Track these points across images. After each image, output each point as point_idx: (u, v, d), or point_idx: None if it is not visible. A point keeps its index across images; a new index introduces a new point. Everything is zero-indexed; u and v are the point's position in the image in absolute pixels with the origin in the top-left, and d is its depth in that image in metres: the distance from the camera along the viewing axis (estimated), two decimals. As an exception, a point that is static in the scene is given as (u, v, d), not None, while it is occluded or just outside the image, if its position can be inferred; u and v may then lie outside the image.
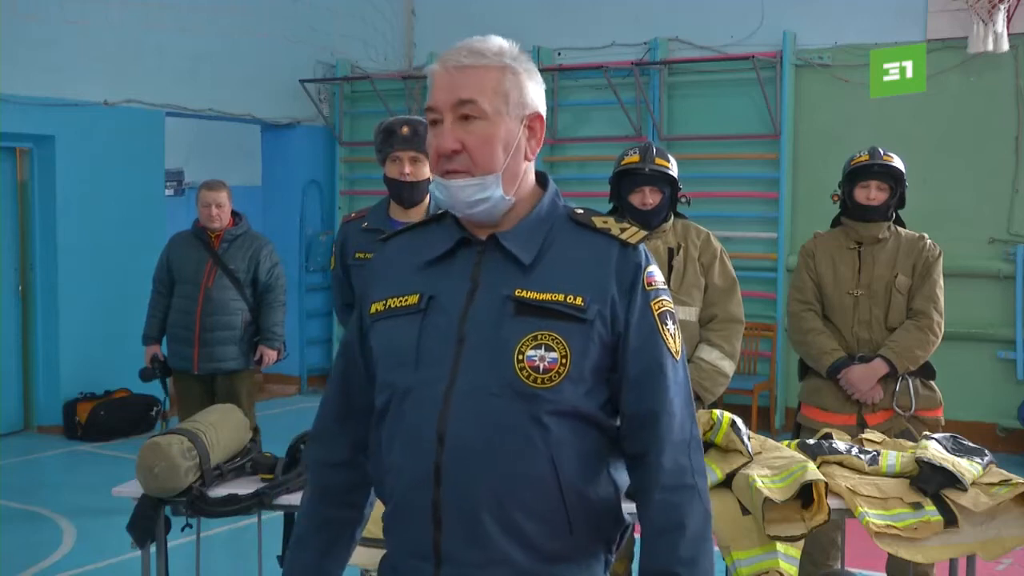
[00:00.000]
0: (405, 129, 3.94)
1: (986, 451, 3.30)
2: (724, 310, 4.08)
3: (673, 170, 4.03)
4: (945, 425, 4.19)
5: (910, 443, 3.45)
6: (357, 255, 4.03)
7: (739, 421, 3.14)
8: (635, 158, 4.03)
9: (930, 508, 3.04)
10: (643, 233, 1.93)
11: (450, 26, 9.75)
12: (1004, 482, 3.11)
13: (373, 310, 1.94)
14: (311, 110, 10.01)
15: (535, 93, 1.91)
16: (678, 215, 4.16)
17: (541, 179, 1.97)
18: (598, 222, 1.92)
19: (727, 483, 3.06)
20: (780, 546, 2.96)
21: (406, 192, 3.98)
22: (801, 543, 3.02)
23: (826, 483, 2.99)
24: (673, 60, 8.77)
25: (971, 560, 3.29)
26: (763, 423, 8.33)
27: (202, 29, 8.73)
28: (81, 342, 8.28)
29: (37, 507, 6.32)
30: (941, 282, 4.22)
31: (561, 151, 9.42)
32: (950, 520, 3.02)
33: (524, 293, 1.84)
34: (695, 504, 1.86)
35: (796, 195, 8.40)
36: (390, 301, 1.92)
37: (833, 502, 3.01)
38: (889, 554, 3.23)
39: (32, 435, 8.25)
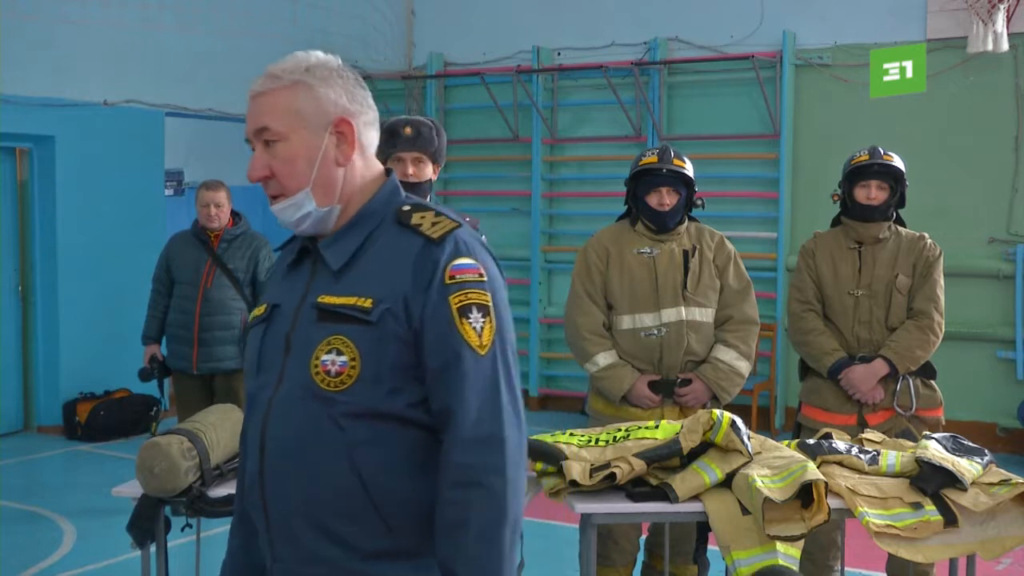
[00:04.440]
0: (408, 130, 3.93)
1: (986, 451, 3.31)
2: (739, 311, 4.11)
3: (690, 171, 4.05)
4: (945, 425, 4.19)
5: (910, 443, 3.45)
6: (357, 255, 4.02)
7: (739, 421, 3.14)
8: (653, 159, 4.05)
9: (930, 508, 3.04)
10: (452, 225, 1.91)
11: (450, 26, 9.76)
12: (1004, 482, 3.11)
13: (250, 319, 2.07)
14: (311, 110, 10.00)
15: (337, 99, 1.93)
16: (691, 218, 4.18)
17: (383, 177, 2.01)
18: (415, 218, 1.92)
19: (727, 483, 3.06)
20: (780, 546, 2.96)
21: (408, 192, 3.97)
22: (801, 543, 3.02)
23: (826, 483, 2.99)
24: (673, 60, 8.77)
25: (971, 560, 3.29)
26: (763, 423, 8.33)
27: (202, 29, 8.73)
28: (81, 342, 8.28)
29: (37, 507, 6.31)
30: (941, 282, 4.23)
31: (561, 151, 9.42)
32: (950, 520, 3.02)
33: (325, 299, 1.90)
34: (484, 503, 1.81)
35: (796, 195, 8.40)
36: (256, 311, 2.03)
37: (833, 502, 3.01)
38: (889, 554, 3.24)
39: (32, 435, 8.25)
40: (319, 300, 1.90)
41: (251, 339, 2.01)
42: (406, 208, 1.95)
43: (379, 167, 2.03)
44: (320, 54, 1.99)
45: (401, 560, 1.88)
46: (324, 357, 1.86)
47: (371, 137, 2.01)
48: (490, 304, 1.90)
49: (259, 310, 2.01)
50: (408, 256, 1.88)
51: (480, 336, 1.87)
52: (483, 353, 1.87)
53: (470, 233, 1.95)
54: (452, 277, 1.87)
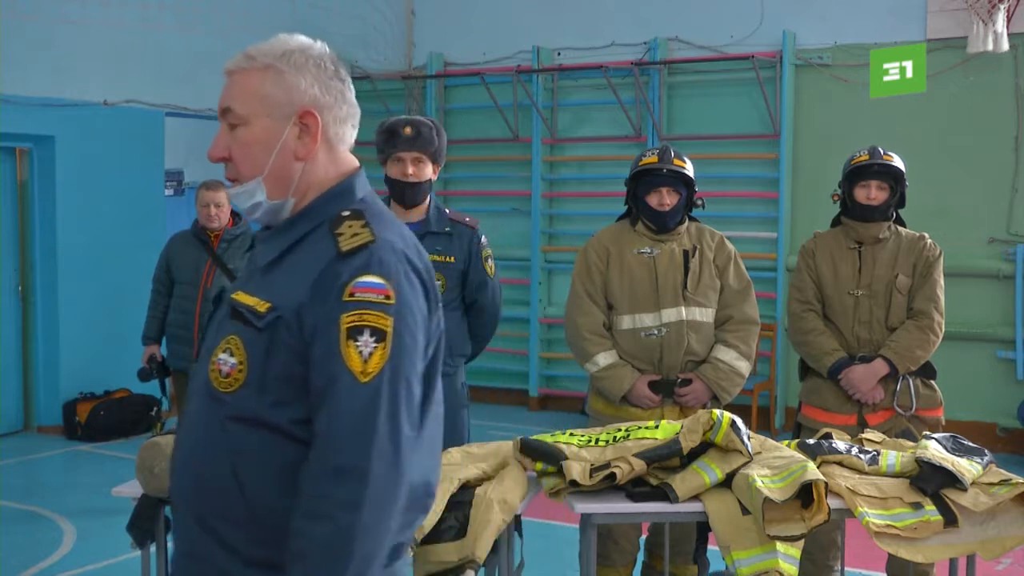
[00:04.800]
0: (408, 130, 3.94)
1: (986, 451, 3.31)
2: (740, 311, 4.11)
3: (690, 171, 4.05)
4: (945, 425, 4.19)
5: (910, 443, 3.45)
6: (357, 255, 4.02)
7: (739, 421, 3.14)
8: (653, 159, 4.04)
9: (930, 508, 3.04)
10: (364, 240, 1.79)
11: (450, 26, 9.76)
12: (1004, 482, 3.11)
13: None
14: (311, 110, 10.00)
15: (307, 88, 1.86)
16: (691, 218, 4.18)
17: (345, 177, 1.92)
18: (342, 226, 1.81)
19: (727, 483, 3.06)
20: (780, 546, 2.96)
21: (408, 192, 3.98)
22: (801, 543, 3.02)
23: (826, 483, 2.99)
24: (673, 60, 8.77)
25: (971, 560, 3.29)
26: (763, 423, 8.33)
27: (202, 29, 8.72)
28: (81, 342, 8.28)
29: (37, 507, 6.31)
30: (941, 282, 4.23)
31: (561, 151, 9.42)
32: (950, 520, 3.02)
33: (237, 295, 1.85)
34: (327, 540, 1.68)
35: (796, 195, 8.40)
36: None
37: (833, 502, 3.01)
38: (889, 554, 3.24)
39: (32, 435, 8.24)
40: (232, 296, 1.86)
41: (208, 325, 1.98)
42: (345, 213, 1.84)
43: (350, 165, 1.94)
44: (304, 39, 1.92)
45: (278, 573, 1.76)
46: (220, 356, 1.82)
47: (342, 133, 1.93)
48: (388, 329, 1.75)
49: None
50: (317, 265, 1.78)
51: (366, 362, 1.73)
52: (364, 380, 1.72)
53: (397, 252, 1.81)
54: (352, 294, 1.75)
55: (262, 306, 1.80)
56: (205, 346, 1.91)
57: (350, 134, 1.95)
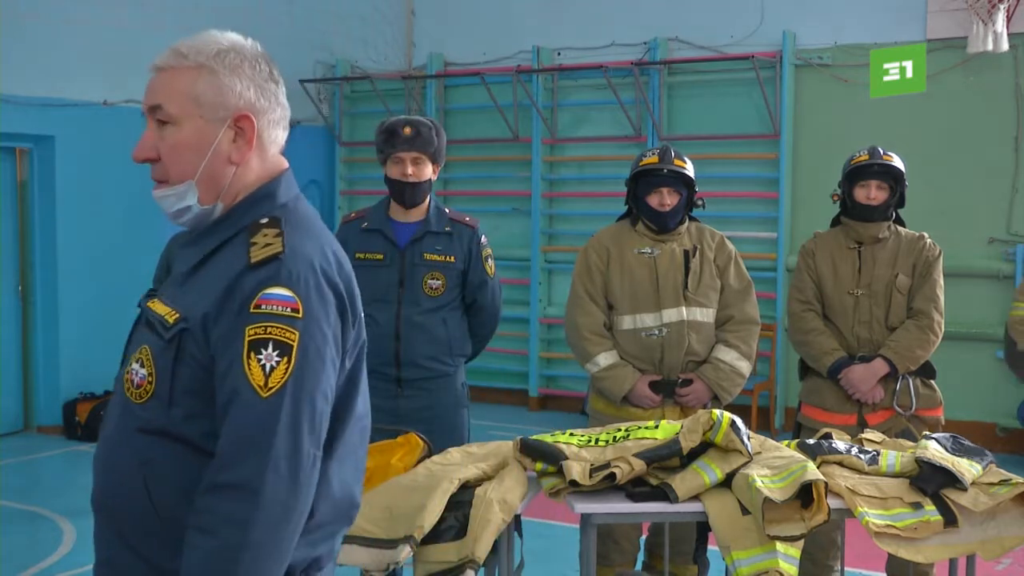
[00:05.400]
0: (407, 130, 3.94)
1: (986, 451, 3.30)
2: (740, 311, 4.11)
3: (691, 172, 4.05)
4: (945, 425, 4.20)
5: (910, 443, 3.45)
6: (357, 255, 4.03)
7: (739, 421, 3.14)
8: (654, 159, 4.04)
9: (930, 508, 3.04)
10: (275, 251, 1.74)
11: (450, 26, 9.76)
12: (1004, 482, 3.11)
13: None
14: (311, 110, 10.00)
15: (243, 91, 1.80)
16: (691, 218, 4.18)
17: (270, 184, 1.85)
18: (257, 235, 1.76)
19: (727, 483, 3.06)
20: (780, 546, 2.96)
21: (407, 193, 3.98)
22: (801, 543, 3.01)
23: (826, 483, 2.99)
24: (673, 60, 8.77)
25: (971, 560, 3.29)
26: (763, 423, 8.33)
27: (202, 29, 8.72)
28: (81, 342, 8.28)
29: (37, 507, 6.31)
30: (941, 282, 4.23)
31: (561, 151, 9.42)
32: (950, 520, 3.02)
33: (151, 304, 1.82)
34: (212, 556, 1.65)
35: (796, 195, 8.40)
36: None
37: (833, 502, 3.01)
38: (889, 554, 3.23)
39: (32, 435, 8.24)
40: (147, 304, 1.82)
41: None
42: (263, 220, 1.78)
43: (278, 168, 1.88)
44: (236, 37, 1.86)
45: None
46: (133, 366, 1.78)
47: (276, 136, 1.87)
48: (294, 343, 1.69)
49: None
50: (228, 275, 1.73)
51: (267, 376, 1.68)
52: (264, 395, 1.67)
53: (308, 264, 1.75)
54: (258, 306, 1.69)
55: (171, 316, 1.75)
56: (125, 354, 1.86)
57: (282, 136, 1.90)
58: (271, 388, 1.68)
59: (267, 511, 1.66)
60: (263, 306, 1.69)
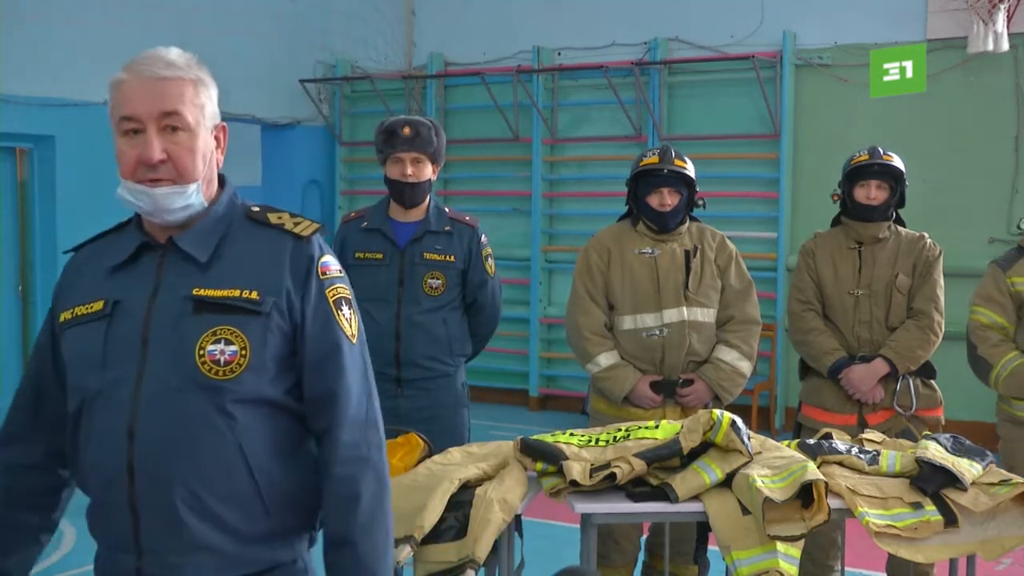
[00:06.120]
0: (407, 130, 3.94)
1: (986, 451, 3.30)
2: (741, 311, 4.10)
3: (691, 172, 4.04)
4: (945, 425, 4.20)
5: (910, 443, 3.45)
6: (357, 255, 4.03)
7: (739, 421, 3.14)
8: (654, 159, 4.04)
9: (930, 508, 3.04)
10: (316, 226, 2.03)
11: (450, 26, 9.76)
12: (1004, 482, 3.11)
13: (62, 319, 2.03)
14: (311, 110, 10.00)
15: (216, 104, 2.03)
16: (692, 218, 4.18)
17: (221, 181, 2.07)
18: (272, 218, 2.03)
19: (727, 483, 3.06)
20: (780, 546, 2.96)
21: (407, 193, 3.98)
22: (801, 543, 3.01)
23: (826, 483, 2.99)
24: (673, 60, 8.77)
25: (971, 560, 3.29)
26: (763, 423, 8.33)
27: (202, 29, 8.72)
28: (81, 342, 8.27)
29: (37, 507, 6.30)
30: (941, 282, 4.23)
31: (561, 151, 9.42)
32: (950, 520, 3.02)
33: (201, 291, 1.94)
34: (368, 476, 1.97)
35: (796, 195, 8.40)
36: (77, 309, 2.01)
37: (833, 502, 3.01)
38: (889, 554, 3.23)
39: (32, 435, 8.24)
40: (195, 293, 1.93)
41: (85, 337, 1.97)
42: (256, 208, 2.05)
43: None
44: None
45: (274, 541, 1.98)
46: (211, 347, 1.91)
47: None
48: (352, 298, 2.04)
49: (91, 307, 1.98)
50: (281, 252, 1.98)
51: (351, 327, 2.01)
52: (354, 342, 2.01)
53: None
54: (324, 273, 2.00)
55: (251, 294, 1.94)
56: (112, 354, 1.93)
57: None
58: (355, 335, 2.02)
59: (383, 432, 2.03)
60: (326, 272, 2.00)
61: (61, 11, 7.87)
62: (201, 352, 1.90)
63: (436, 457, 3.25)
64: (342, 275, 2.04)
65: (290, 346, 1.96)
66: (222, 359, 1.90)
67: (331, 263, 2.02)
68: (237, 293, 1.93)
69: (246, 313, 1.92)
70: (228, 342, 1.91)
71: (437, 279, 4.02)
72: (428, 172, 3.99)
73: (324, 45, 9.94)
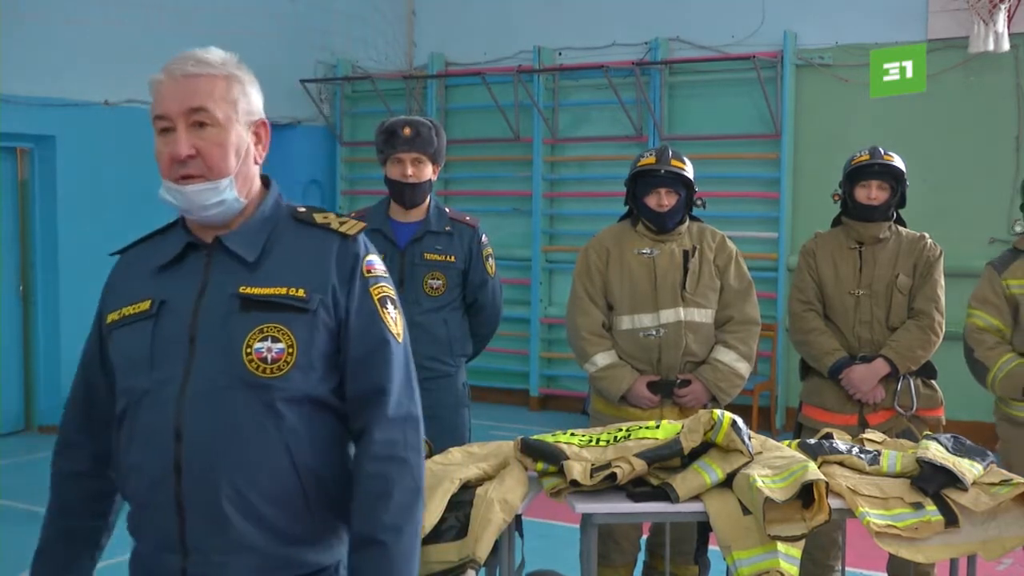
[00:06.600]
0: (407, 130, 3.94)
1: (987, 451, 3.30)
2: (740, 312, 4.10)
3: (689, 172, 4.04)
4: (946, 425, 4.19)
5: (911, 443, 3.45)
6: (357, 255, 4.03)
7: (740, 421, 3.14)
8: (651, 160, 4.04)
9: (931, 508, 3.04)
10: (361, 225, 2.05)
11: (450, 26, 9.77)
12: (1005, 482, 3.11)
13: (109, 320, 2.06)
14: (311, 110, 10.01)
15: (258, 101, 2.03)
16: (693, 218, 4.17)
17: (266, 182, 2.10)
18: (319, 218, 2.05)
19: (727, 483, 3.06)
20: (781, 546, 2.96)
21: (407, 193, 3.98)
22: (802, 543, 3.01)
23: (827, 483, 2.98)
24: (674, 60, 8.77)
25: (972, 560, 3.29)
26: (764, 423, 8.33)
27: (202, 29, 8.72)
28: (82, 342, 8.18)
29: (37, 507, 6.27)
30: (942, 282, 4.23)
31: (561, 151, 9.42)
32: (951, 520, 3.02)
33: (248, 289, 1.95)
34: (404, 476, 1.95)
35: (796, 195, 8.40)
36: (124, 310, 2.02)
37: (834, 502, 3.00)
38: (890, 554, 3.23)
39: (33, 435, 8.24)
40: (242, 291, 1.94)
41: (132, 337, 1.99)
42: (302, 209, 2.07)
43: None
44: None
45: (316, 541, 1.98)
46: (258, 345, 1.91)
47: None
48: (397, 299, 2.06)
49: (138, 307, 2.00)
50: (328, 251, 1.99)
51: (396, 325, 2.03)
52: (400, 340, 2.03)
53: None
54: (369, 271, 2.01)
55: (298, 292, 1.94)
56: (159, 354, 1.94)
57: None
58: (400, 334, 2.03)
59: (421, 433, 2.02)
60: (371, 271, 2.02)
61: (61, 11, 7.88)
62: (248, 350, 1.90)
63: (437, 457, 3.25)
64: (386, 275, 2.05)
65: (335, 343, 1.97)
66: (269, 356, 1.90)
67: (376, 262, 2.03)
68: (284, 291, 1.94)
69: (293, 311, 1.93)
70: (275, 339, 1.91)
71: (438, 279, 4.03)
72: (428, 172, 3.99)
73: (324, 45, 9.94)
